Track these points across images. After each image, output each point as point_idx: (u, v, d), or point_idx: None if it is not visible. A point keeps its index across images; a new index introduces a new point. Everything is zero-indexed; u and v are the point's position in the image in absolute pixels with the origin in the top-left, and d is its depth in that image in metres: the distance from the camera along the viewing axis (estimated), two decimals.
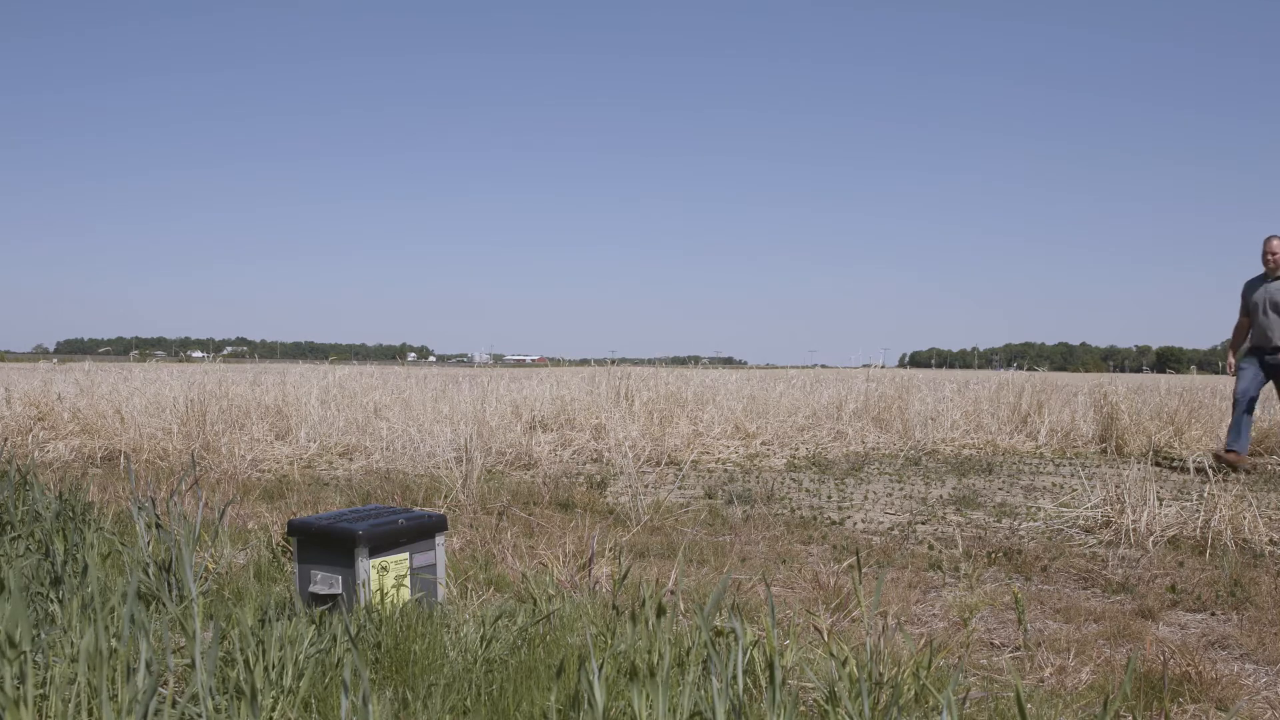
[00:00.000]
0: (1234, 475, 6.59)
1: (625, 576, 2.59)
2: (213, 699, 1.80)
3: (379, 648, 2.34)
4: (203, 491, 4.00)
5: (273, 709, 1.98)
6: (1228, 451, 6.96)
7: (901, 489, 6.23)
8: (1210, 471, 6.54)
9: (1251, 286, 7.15)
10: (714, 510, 5.20)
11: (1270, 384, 7.11)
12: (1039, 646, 2.83)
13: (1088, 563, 4.01)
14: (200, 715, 1.77)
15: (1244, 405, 6.95)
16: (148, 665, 1.78)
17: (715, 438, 8.71)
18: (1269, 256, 6.97)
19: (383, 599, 2.71)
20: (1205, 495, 4.62)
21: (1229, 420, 7.21)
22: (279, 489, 5.72)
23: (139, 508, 3.09)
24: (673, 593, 3.08)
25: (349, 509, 3.06)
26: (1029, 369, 13.03)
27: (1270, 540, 4.31)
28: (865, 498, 5.84)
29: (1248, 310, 7.15)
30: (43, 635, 2.08)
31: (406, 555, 2.86)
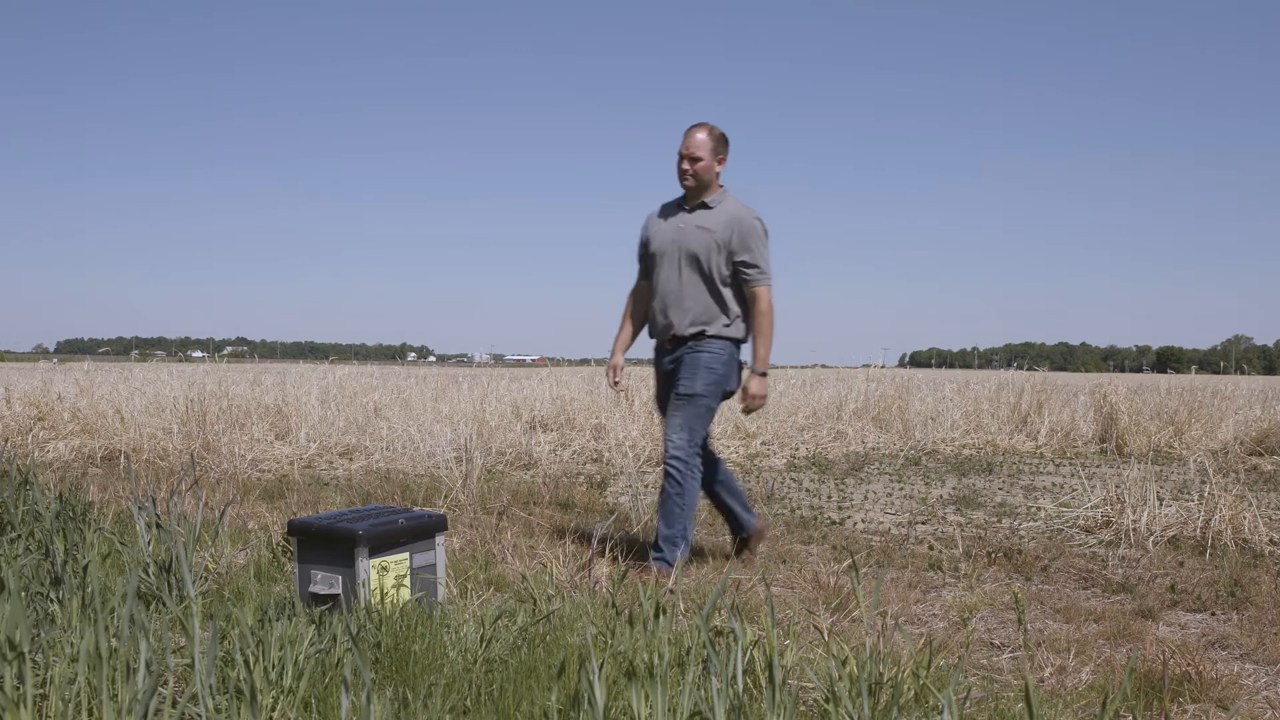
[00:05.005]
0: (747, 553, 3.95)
1: (625, 576, 2.59)
2: (213, 699, 1.80)
3: (379, 648, 2.34)
4: (203, 491, 4.00)
5: (273, 709, 1.98)
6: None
7: (901, 489, 6.23)
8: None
9: (660, 218, 3.86)
10: (714, 510, 5.19)
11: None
12: (1039, 646, 2.83)
13: (1088, 563, 4.01)
14: (200, 715, 1.77)
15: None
16: (148, 665, 1.78)
17: (715, 437, 8.71)
18: (687, 166, 3.69)
19: (383, 599, 2.71)
20: (1205, 495, 4.62)
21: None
22: (279, 489, 5.72)
23: (139, 508, 3.09)
24: (672, 592, 3.08)
25: (349, 509, 3.06)
26: (1029, 369, 13.03)
27: (1270, 540, 4.30)
28: (865, 498, 5.84)
29: (648, 265, 3.89)
30: (43, 635, 2.08)
31: (406, 555, 2.86)
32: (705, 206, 3.75)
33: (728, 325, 3.74)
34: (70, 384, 10.01)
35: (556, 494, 5.50)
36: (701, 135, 3.69)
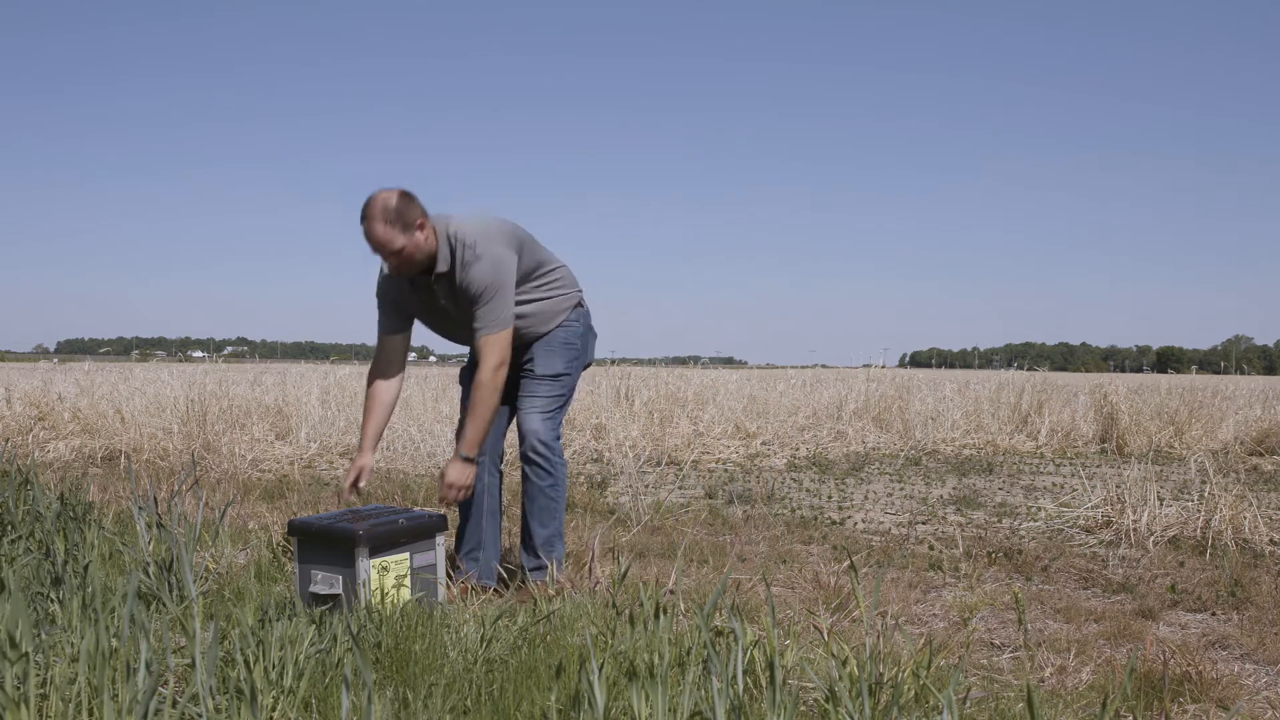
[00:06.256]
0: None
1: (625, 576, 2.59)
2: (213, 699, 1.80)
3: (379, 648, 2.35)
4: (203, 491, 4.00)
5: (273, 709, 1.99)
6: (472, 584, 3.17)
7: (902, 489, 6.23)
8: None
9: (410, 290, 3.16)
10: (714, 510, 5.20)
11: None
12: (1039, 646, 2.83)
13: (1088, 563, 4.01)
14: (200, 715, 1.77)
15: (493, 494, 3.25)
16: (148, 665, 1.78)
17: (715, 437, 8.71)
18: (394, 262, 2.97)
19: (383, 599, 2.71)
20: (1205, 495, 4.62)
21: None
22: (279, 489, 5.72)
23: (139, 508, 3.09)
24: (672, 593, 3.08)
25: (349, 509, 3.06)
26: (1029, 369, 13.04)
27: (1270, 540, 4.31)
28: (865, 498, 5.84)
29: (398, 324, 3.23)
30: (43, 635, 2.09)
31: (407, 555, 2.86)
32: (444, 274, 3.03)
33: (558, 302, 3.24)
34: (70, 384, 10.01)
35: None
36: (380, 227, 2.89)
